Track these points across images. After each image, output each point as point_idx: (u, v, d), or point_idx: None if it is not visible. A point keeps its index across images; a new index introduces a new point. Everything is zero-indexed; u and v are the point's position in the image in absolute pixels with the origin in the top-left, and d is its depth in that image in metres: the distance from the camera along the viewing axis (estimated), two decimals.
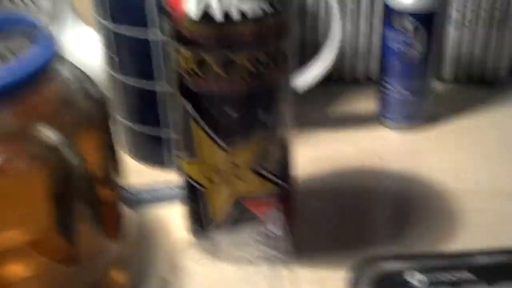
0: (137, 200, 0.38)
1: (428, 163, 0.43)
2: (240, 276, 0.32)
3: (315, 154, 0.44)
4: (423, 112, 0.46)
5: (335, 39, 0.43)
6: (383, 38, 0.44)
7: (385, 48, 0.44)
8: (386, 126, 0.47)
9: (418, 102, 0.45)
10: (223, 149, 0.30)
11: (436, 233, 0.37)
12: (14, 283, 0.28)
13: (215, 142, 0.30)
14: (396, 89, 0.45)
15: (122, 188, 0.34)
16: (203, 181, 0.32)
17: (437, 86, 0.51)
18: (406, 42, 0.43)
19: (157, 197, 0.39)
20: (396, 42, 0.43)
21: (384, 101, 0.46)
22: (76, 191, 0.28)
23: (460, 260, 0.31)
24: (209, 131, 0.30)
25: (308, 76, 0.44)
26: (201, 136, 0.30)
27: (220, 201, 0.32)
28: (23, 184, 0.26)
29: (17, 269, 0.29)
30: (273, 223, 0.31)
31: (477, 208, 0.38)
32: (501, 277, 0.30)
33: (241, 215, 0.32)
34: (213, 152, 0.31)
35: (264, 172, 0.31)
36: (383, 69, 0.45)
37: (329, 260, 0.35)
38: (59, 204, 0.27)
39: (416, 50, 0.43)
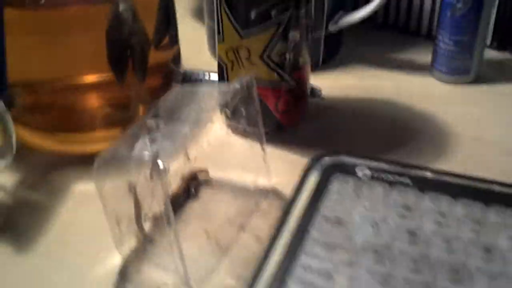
0: (187, 78, 0.48)
1: (453, 113, 0.46)
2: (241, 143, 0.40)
3: (356, 83, 0.50)
4: (470, 69, 0.48)
5: None
6: None
7: (442, 1, 0.48)
8: (435, 77, 0.50)
9: (464, 58, 0.48)
10: (240, 35, 0.39)
11: (420, 158, 0.41)
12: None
13: (234, 27, 0.38)
14: (445, 41, 0.48)
15: (176, 64, 0.44)
16: (225, 60, 0.40)
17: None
18: None
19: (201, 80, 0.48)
20: None
21: (435, 53, 0.50)
22: (130, 43, 0.38)
23: (407, 170, 0.36)
24: (230, 16, 0.38)
25: (352, 17, 0.50)
26: (225, 20, 0.39)
27: (233, 80, 0.40)
28: (86, 17, 0.36)
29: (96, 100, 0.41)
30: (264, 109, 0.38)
31: (471, 154, 0.41)
32: (434, 189, 0.34)
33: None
34: (233, 35, 0.39)
35: (269, 62, 0.39)
36: (438, 21, 0.49)
37: (308, 151, 0.40)
38: (114, 48, 0.38)
39: (465, 3, 0.45)
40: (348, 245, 0.31)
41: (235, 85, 0.33)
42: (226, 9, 0.38)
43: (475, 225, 0.31)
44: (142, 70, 0.42)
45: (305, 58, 0.41)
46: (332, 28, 0.51)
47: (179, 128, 0.32)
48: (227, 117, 0.37)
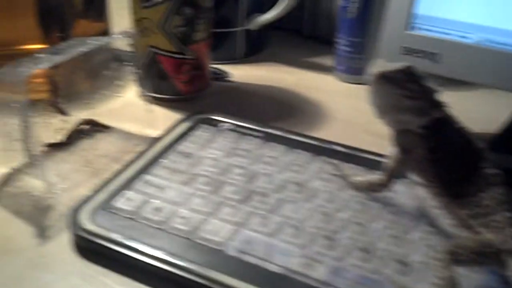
0: None
1: (337, 103, 0.52)
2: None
3: (266, 74, 0.57)
4: (364, 69, 0.54)
5: None
6: None
7: (339, 7, 0.54)
8: (335, 76, 0.56)
9: (358, 58, 0.54)
10: (141, 6, 0.46)
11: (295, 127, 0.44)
12: None
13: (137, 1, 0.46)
14: (342, 44, 0.54)
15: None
16: (135, 30, 0.47)
17: None
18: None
19: None
20: (343, 1, 0.53)
21: (335, 54, 0.56)
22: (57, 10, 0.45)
23: (263, 127, 0.42)
24: None
25: (264, 17, 0.57)
26: None
27: (141, 47, 0.47)
28: None
29: None
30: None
31: (337, 130, 0.47)
32: (277, 141, 0.40)
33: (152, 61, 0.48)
34: (136, 7, 0.46)
35: (167, 32, 0.46)
36: (337, 26, 0.55)
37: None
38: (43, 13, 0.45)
39: (355, 8, 0.52)
40: (188, 171, 0.37)
41: (107, 39, 0.40)
42: None
43: (298, 168, 0.37)
44: (66, 34, 0.49)
45: (201, 35, 0.48)
46: (250, 26, 0.58)
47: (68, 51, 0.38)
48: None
